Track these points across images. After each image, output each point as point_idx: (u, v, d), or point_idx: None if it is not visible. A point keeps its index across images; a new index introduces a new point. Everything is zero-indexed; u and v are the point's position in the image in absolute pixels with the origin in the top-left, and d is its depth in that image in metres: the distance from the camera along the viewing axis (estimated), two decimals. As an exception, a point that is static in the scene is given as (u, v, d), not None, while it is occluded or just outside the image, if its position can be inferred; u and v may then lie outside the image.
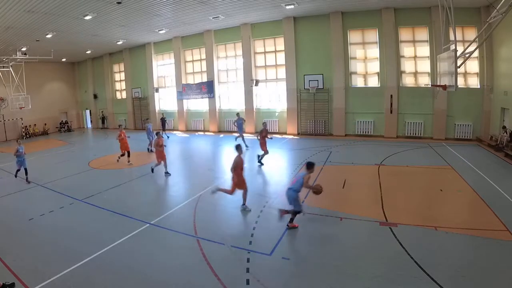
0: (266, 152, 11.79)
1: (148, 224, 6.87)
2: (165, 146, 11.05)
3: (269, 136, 12.21)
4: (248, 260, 5.26)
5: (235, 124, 16.03)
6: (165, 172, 11.00)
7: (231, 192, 7.33)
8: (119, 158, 13.36)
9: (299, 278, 4.76)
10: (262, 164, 11.70)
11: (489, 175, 9.41)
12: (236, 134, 16.26)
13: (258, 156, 11.89)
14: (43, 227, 7.04)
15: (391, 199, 7.86)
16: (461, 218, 6.76)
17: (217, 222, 7.06)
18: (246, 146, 14.87)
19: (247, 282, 4.67)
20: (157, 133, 11.35)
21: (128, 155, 13.07)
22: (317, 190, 6.36)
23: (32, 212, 7.84)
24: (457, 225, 6.22)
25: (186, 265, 5.24)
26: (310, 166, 6.44)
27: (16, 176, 11.25)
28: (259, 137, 11.92)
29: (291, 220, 6.41)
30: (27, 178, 10.90)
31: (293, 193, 6.26)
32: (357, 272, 4.83)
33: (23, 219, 7.45)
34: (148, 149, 15.48)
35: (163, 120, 20.75)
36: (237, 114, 16.37)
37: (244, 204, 7.50)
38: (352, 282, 4.62)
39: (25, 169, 11.01)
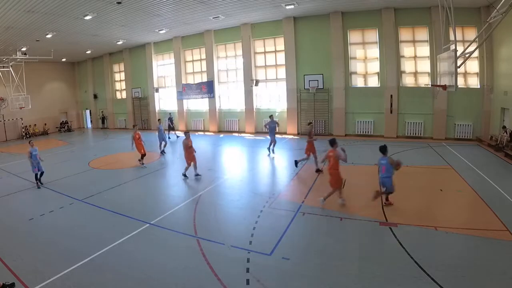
0: (308, 157, 10.50)
1: (148, 224, 6.87)
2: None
3: (314, 138, 10.91)
4: (248, 260, 5.26)
5: (266, 127, 13.92)
6: (195, 174, 10.46)
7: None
8: (142, 161, 12.51)
9: (299, 278, 4.76)
10: (296, 166, 10.64)
11: (489, 175, 9.40)
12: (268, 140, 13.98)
13: (296, 162, 10.88)
14: (43, 227, 7.04)
15: (391, 199, 7.84)
16: (461, 218, 6.77)
17: (217, 222, 7.06)
18: (272, 152, 13.51)
19: (247, 282, 4.67)
20: (186, 133, 10.57)
21: (142, 157, 12.53)
22: (400, 166, 7.25)
23: (32, 212, 7.84)
24: (457, 225, 6.22)
25: (186, 265, 5.24)
26: (383, 150, 7.31)
27: (38, 184, 10.19)
28: (308, 139, 10.73)
29: (387, 198, 7.42)
30: (38, 182, 10.24)
31: (389, 180, 7.16)
32: (357, 272, 4.83)
33: (23, 219, 7.45)
34: (161, 151, 14.79)
35: (170, 120, 20.34)
36: (271, 116, 14.07)
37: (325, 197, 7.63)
38: (352, 282, 4.62)
39: (42, 173, 10.31)
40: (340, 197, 7.62)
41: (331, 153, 7.59)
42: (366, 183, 9.20)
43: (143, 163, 12.47)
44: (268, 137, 13.93)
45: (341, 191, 7.64)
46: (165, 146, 14.90)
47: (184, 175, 10.49)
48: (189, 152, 10.14)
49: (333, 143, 7.72)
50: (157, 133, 15.34)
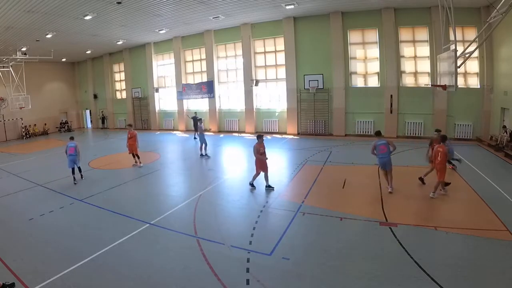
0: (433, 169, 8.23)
1: (148, 224, 6.87)
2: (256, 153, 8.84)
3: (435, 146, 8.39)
4: (248, 260, 5.26)
5: (375, 149, 8.76)
6: (266, 186, 8.92)
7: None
8: (136, 161, 12.57)
9: (299, 278, 4.76)
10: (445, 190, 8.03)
11: (489, 175, 9.41)
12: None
13: (421, 178, 8.78)
14: (43, 227, 7.04)
15: (391, 199, 7.86)
16: (461, 218, 6.76)
17: (217, 222, 7.05)
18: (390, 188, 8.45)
19: (247, 282, 4.67)
20: (258, 136, 8.89)
21: (133, 156, 12.50)
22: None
23: (32, 212, 7.84)
24: (457, 225, 6.22)
25: (186, 265, 5.24)
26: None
27: (81, 177, 10.80)
28: (429, 150, 8.59)
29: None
30: (74, 177, 10.53)
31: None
32: (357, 272, 4.83)
33: (23, 219, 7.44)
34: (201, 154, 13.79)
35: (194, 119, 18.85)
36: (378, 133, 9.35)
37: (443, 188, 7.83)
38: (352, 282, 4.62)
39: (77, 168, 10.68)
40: (442, 188, 7.83)
41: (440, 148, 7.65)
42: (366, 183, 9.20)
43: (136, 162, 12.48)
44: None
45: (443, 184, 7.83)
46: (205, 148, 13.84)
47: (251, 184, 9.06)
48: (260, 158, 8.75)
49: (444, 139, 7.86)
50: (197, 134, 14.22)
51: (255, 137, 9.10)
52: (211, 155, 13.96)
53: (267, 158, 8.91)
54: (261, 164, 8.81)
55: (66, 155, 10.59)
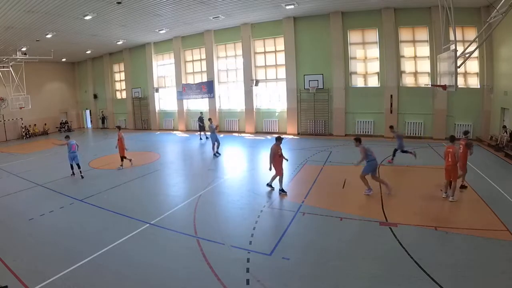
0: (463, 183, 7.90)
1: (148, 224, 6.87)
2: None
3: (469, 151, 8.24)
4: (248, 260, 5.26)
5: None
6: (279, 189, 8.61)
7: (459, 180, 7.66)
8: (131, 162, 12.60)
9: (299, 278, 4.76)
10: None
11: (489, 175, 9.42)
12: None
13: (462, 186, 8.30)
14: (43, 227, 7.04)
15: (391, 199, 7.86)
16: (461, 218, 6.76)
17: (217, 222, 7.05)
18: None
19: (247, 282, 4.67)
20: (278, 138, 8.64)
21: (122, 160, 12.31)
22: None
23: (32, 212, 7.84)
24: (457, 225, 6.22)
25: (186, 265, 5.24)
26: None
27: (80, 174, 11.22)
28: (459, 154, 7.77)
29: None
30: (73, 172, 11.40)
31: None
32: (357, 272, 4.83)
33: (23, 219, 7.44)
34: (214, 154, 13.82)
35: (200, 119, 18.80)
36: (359, 139, 8.45)
37: (453, 195, 7.55)
38: (352, 282, 4.62)
39: (76, 165, 11.23)
40: (452, 191, 7.57)
41: (450, 149, 7.54)
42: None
43: (121, 165, 12.30)
44: None
45: (447, 185, 7.65)
46: (218, 147, 13.94)
47: (282, 190, 8.60)
48: (278, 161, 8.49)
49: (452, 139, 7.75)
50: (209, 134, 14.37)
51: (274, 138, 8.74)
52: (210, 155, 13.94)
53: (287, 160, 8.97)
54: (278, 166, 8.51)
55: (68, 152, 11.06)
